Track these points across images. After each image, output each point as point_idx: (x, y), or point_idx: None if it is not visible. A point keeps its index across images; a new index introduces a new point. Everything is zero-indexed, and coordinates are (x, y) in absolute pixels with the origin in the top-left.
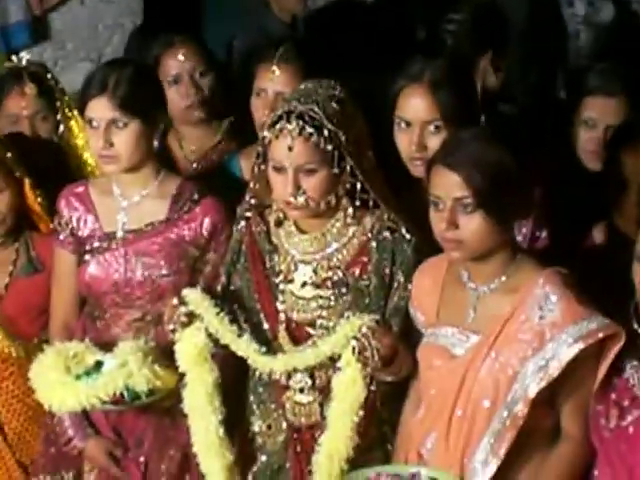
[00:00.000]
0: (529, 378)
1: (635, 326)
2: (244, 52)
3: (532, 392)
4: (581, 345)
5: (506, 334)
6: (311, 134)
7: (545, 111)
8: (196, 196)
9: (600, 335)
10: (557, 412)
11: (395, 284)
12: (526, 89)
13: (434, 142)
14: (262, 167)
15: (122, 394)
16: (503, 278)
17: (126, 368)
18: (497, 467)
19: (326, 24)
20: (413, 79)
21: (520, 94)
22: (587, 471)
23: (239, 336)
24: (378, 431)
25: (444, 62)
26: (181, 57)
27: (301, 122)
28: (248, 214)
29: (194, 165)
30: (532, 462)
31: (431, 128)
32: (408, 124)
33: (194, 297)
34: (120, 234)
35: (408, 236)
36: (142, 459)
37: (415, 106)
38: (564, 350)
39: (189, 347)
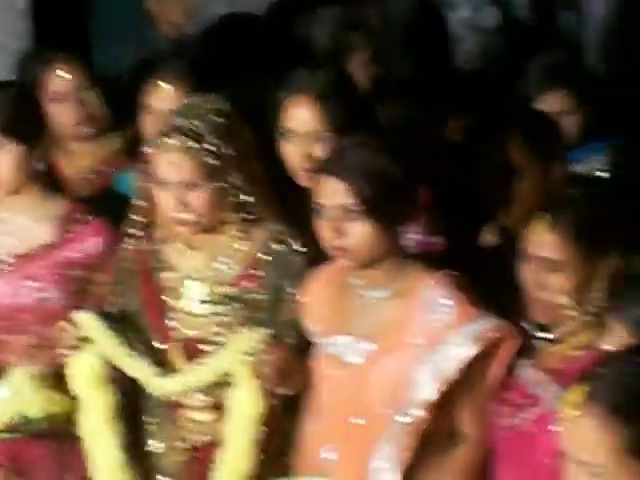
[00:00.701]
0: (424, 382)
1: (525, 325)
2: (132, 68)
3: (429, 396)
4: (475, 346)
5: (399, 339)
6: (195, 149)
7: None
8: (84, 217)
9: (492, 336)
10: (454, 414)
11: (286, 297)
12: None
13: (320, 152)
14: (147, 184)
15: (17, 422)
16: (393, 284)
17: (20, 395)
18: (398, 473)
19: (214, 39)
20: (297, 90)
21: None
22: (487, 471)
23: (132, 358)
24: (277, 445)
25: (328, 72)
26: (63, 74)
27: (183, 137)
28: (135, 232)
29: (87, 180)
30: (432, 465)
31: (317, 138)
32: (293, 135)
33: (85, 320)
34: (7, 258)
35: (298, 248)
36: None
37: (300, 117)
38: (458, 352)
39: (83, 371)
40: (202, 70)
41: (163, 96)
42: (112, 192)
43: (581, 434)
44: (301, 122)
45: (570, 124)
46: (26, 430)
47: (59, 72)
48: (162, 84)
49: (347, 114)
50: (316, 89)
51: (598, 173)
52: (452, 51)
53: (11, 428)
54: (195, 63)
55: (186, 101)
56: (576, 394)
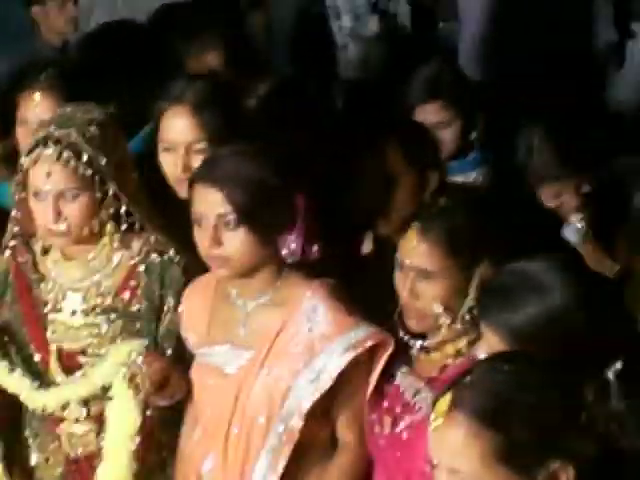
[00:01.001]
0: (302, 391)
1: (401, 334)
2: (8, 78)
3: (306, 405)
4: (351, 354)
5: (277, 348)
6: (69, 159)
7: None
8: None
9: (368, 343)
10: (333, 423)
11: (165, 307)
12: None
13: (198, 162)
14: (22, 195)
15: None
16: (271, 293)
17: None
18: None
19: (100, 46)
20: (175, 100)
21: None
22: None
23: (10, 371)
24: (158, 456)
25: (206, 82)
26: None
27: (59, 147)
28: (13, 243)
29: None
30: (313, 474)
31: (196, 149)
32: (172, 146)
33: None
34: None
35: (177, 258)
36: None
37: (178, 127)
38: (334, 360)
39: None
40: (76, 79)
41: (35, 107)
42: None
43: (449, 441)
44: (179, 133)
45: (448, 135)
46: None
47: None
48: (36, 95)
49: (225, 124)
50: (193, 99)
51: (472, 183)
52: (337, 59)
53: None
54: (69, 72)
55: (60, 111)
56: (444, 402)
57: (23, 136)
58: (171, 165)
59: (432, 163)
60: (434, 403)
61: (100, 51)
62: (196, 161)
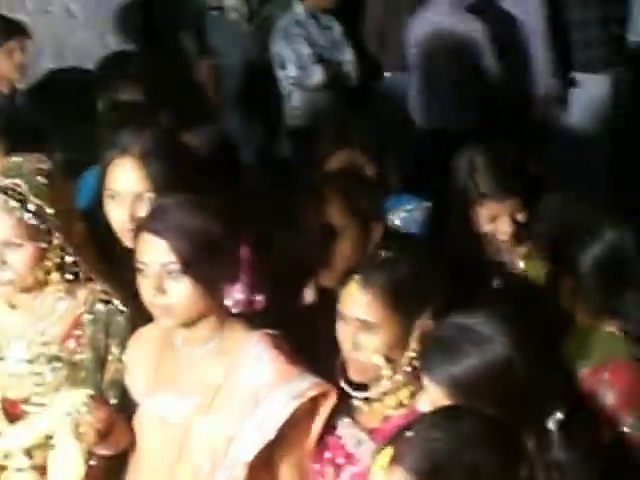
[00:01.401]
0: (245, 440)
1: (342, 384)
2: None
3: (249, 454)
4: (294, 404)
5: (221, 397)
6: (14, 208)
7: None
8: None
9: (311, 393)
10: (275, 472)
11: (110, 357)
12: (252, 152)
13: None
14: None
15: None
16: (214, 341)
17: None
18: None
19: (49, 94)
20: (121, 151)
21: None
22: None
23: None
24: None
25: (152, 133)
26: None
27: (4, 196)
28: None
29: None
30: None
31: (142, 199)
32: (118, 195)
33: None
34: None
35: (122, 308)
36: None
37: (124, 178)
38: (278, 410)
39: None
40: (19, 129)
41: None
42: None
43: None
44: (126, 183)
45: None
46: None
47: None
48: None
49: (172, 174)
50: (141, 150)
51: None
52: (282, 108)
53: None
54: (12, 122)
55: (8, 160)
56: (384, 455)
57: None
58: (117, 215)
59: (375, 214)
60: (375, 455)
61: (43, 99)
62: (141, 211)
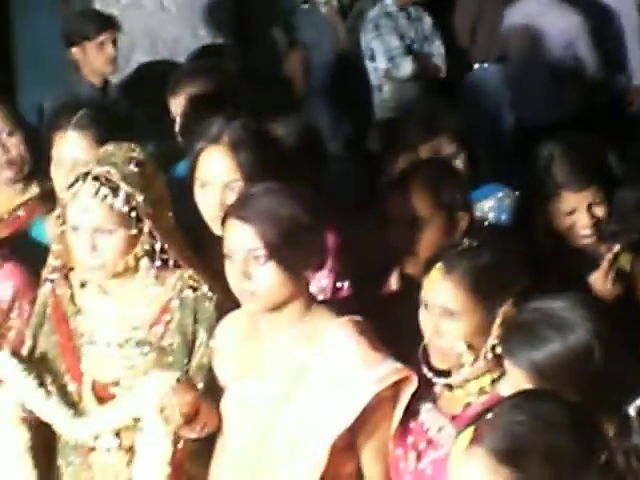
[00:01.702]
0: (327, 424)
1: (425, 371)
2: (49, 116)
3: (330, 438)
4: (375, 389)
5: (305, 382)
6: (106, 195)
7: (359, 164)
8: None
9: (393, 379)
10: (358, 457)
11: (198, 342)
12: (341, 143)
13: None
14: (62, 228)
15: None
16: (300, 327)
17: None
18: None
19: (141, 87)
20: (212, 140)
21: (336, 149)
22: None
23: (45, 400)
24: None
25: (241, 123)
26: None
27: (97, 183)
28: (52, 276)
29: (3, 225)
30: None
31: (231, 188)
32: (208, 185)
33: (1, 361)
34: None
35: (210, 294)
36: None
37: (215, 167)
38: (359, 395)
39: None
40: (110, 120)
41: (68, 146)
42: (27, 238)
43: (467, 475)
44: (216, 172)
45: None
46: None
47: None
48: (69, 134)
49: (260, 164)
50: (231, 140)
51: (491, 219)
52: (371, 100)
53: None
54: (102, 112)
55: (102, 149)
56: (466, 436)
57: (56, 174)
58: (208, 203)
59: (462, 204)
60: (456, 437)
61: (139, 92)
62: (231, 199)
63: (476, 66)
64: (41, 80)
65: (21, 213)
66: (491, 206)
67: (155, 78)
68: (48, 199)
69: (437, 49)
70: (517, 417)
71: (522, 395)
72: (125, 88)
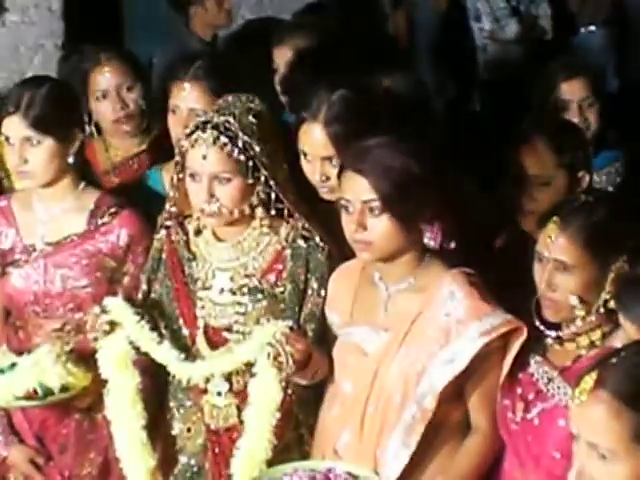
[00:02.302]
0: (437, 372)
1: (536, 322)
2: (162, 69)
3: (440, 385)
4: (485, 340)
5: (415, 331)
6: (225, 144)
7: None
8: (114, 209)
9: (502, 330)
10: (465, 406)
11: (309, 291)
12: (446, 102)
13: (335, 173)
14: (180, 176)
15: (35, 390)
16: (412, 278)
17: (39, 365)
18: (409, 459)
19: (246, 41)
20: (311, 115)
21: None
22: (496, 463)
23: (159, 343)
24: (295, 433)
25: (341, 97)
26: (107, 74)
27: (216, 132)
28: (168, 223)
29: (115, 172)
30: (443, 454)
31: (330, 161)
32: (309, 156)
33: (115, 306)
34: (40, 246)
35: (322, 244)
36: (65, 468)
37: (313, 142)
38: (469, 345)
39: (111, 354)
40: (225, 71)
41: (186, 96)
42: (142, 186)
43: (591, 418)
44: (316, 147)
45: (592, 116)
46: (44, 398)
47: (105, 71)
48: (186, 85)
49: (358, 139)
50: (327, 117)
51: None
52: (476, 61)
53: (30, 396)
54: (218, 64)
55: (221, 99)
56: (589, 379)
57: (173, 123)
58: (310, 173)
59: (584, 165)
60: (579, 380)
61: (244, 46)
62: (332, 171)
63: (582, 29)
64: (149, 35)
65: (134, 164)
66: (605, 172)
67: (260, 34)
68: (158, 150)
69: (544, 11)
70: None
71: None
72: (232, 43)
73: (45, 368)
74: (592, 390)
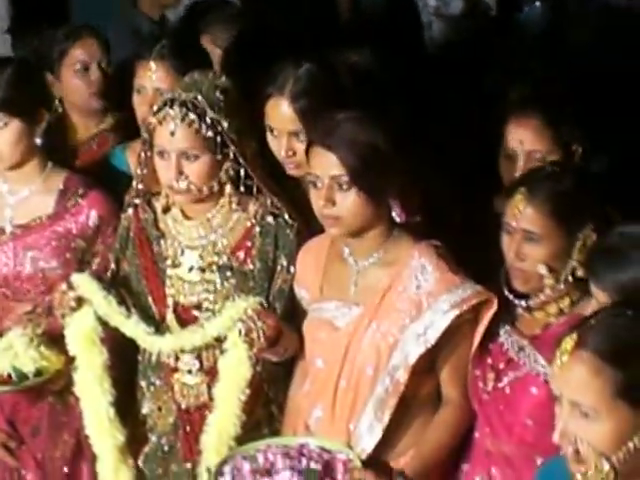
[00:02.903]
0: (408, 345)
1: (505, 292)
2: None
3: (412, 358)
4: (456, 312)
5: (386, 305)
6: (193, 120)
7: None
8: (82, 190)
9: (473, 301)
10: (437, 378)
11: (278, 267)
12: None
13: (301, 148)
14: (148, 153)
15: (9, 375)
16: (381, 252)
17: (12, 350)
18: (382, 432)
19: (195, 22)
20: (277, 90)
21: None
22: (467, 433)
23: (127, 317)
24: (265, 410)
25: (306, 72)
26: (92, 46)
27: (184, 109)
28: (136, 201)
29: (85, 153)
30: (416, 427)
31: (297, 136)
32: (275, 131)
33: (82, 281)
34: (8, 229)
35: (290, 221)
36: (37, 451)
37: (280, 117)
38: (440, 317)
39: (78, 331)
40: (188, 51)
41: (153, 77)
42: (106, 167)
43: (573, 377)
44: (283, 122)
45: None
46: (19, 383)
47: (87, 45)
48: (152, 65)
49: (326, 111)
50: (293, 91)
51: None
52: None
53: (4, 381)
54: (182, 44)
55: (188, 76)
56: (569, 341)
57: (139, 103)
58: (276, 148)
59: (578, 138)
60: (558, 342)
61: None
62: (298, 146)
63: (526, 8)
64: (96, 16)
65: (94, 144)
66: None
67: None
68: (120, 130)
69: None
70: (619, 321)
71: (620, 304)
72: (184, 23)
73: (18, 352)
74: (573, 351)
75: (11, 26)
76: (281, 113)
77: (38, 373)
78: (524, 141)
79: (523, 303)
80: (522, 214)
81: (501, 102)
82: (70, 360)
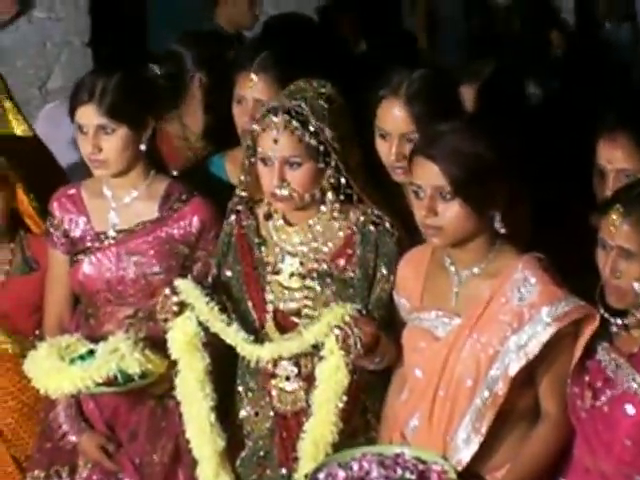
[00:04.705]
0: (509, 357)
1: (601, 310)
2: None
3: (512, 371)
4: (557, 325)
5: (487, 316)
6: (296, 128)
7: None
8: (185, 196)
9: (575, 316)
10: (535, 392)
11: (378, 276)
12: None
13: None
14: (251, 160)
15: (115, 376)
16: (483, 263)
17: (118, 352)
18: (479, 445)
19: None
20: (392, 91)
21: None
22: (566, 449)
23: (228, 325)
24: (362, 419)
25: (422, 75)
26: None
27: (287, 116)
28: (238, 207)
29: (188, 160)
30: (513, 440)
31: (409, 138)
32: (387, 134)
33: (185, 287)
34: (112, 234)
35: (392, 230)
36: (135, 455)
37: (393, 118)
38: (541, 330)
39: (180, 335)
40: (288, 63)
41: (254, 88)
42: (205, 175)
43: None
44: (396, 124)
45: None
46: (124, 385)
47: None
48: (252, 76)
49: (436, 116)
50: (408, 92)
51: None
52: None
53: (109, 382)
54: (281, 56)
55: (293, 84)
56: None
57: (239, 114)
58: (386, 152)
59: None
60: None
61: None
62: (408, 148)
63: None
64: (173, 33)
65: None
66: None
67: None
68: (210, 137)
69: None
70: None
71: None
72: (280, 36)
73: (124, 355)
74: None
75: (92, 39)
76: (394, 115)
77: (143, 376)
78: (613, 160)
79: (619, 321)
80: (618, 231)
81: (595, 118)
82: (172, 364)
